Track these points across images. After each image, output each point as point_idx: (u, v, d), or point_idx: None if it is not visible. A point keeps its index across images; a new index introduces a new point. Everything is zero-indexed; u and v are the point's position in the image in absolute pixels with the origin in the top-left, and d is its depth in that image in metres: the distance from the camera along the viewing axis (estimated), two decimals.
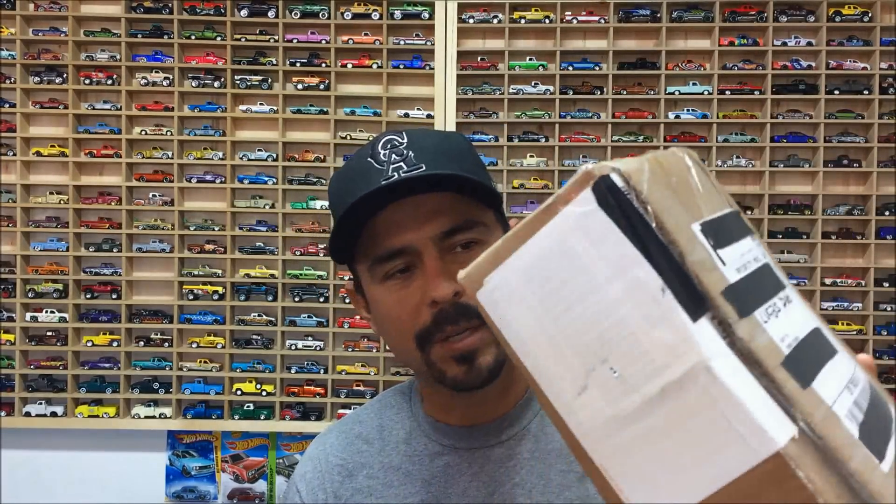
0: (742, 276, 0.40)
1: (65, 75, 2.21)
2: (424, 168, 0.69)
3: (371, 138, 0.77)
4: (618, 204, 0.38)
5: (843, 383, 0.41)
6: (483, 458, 0.76)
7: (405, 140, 0.72)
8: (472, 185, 0.70)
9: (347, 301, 2.20)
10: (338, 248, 0.75)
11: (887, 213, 2.16)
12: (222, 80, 2.23)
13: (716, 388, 0.36)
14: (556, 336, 0.41)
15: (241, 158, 2.23)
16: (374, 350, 2.21)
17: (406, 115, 2.23)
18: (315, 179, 2.23)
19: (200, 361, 2.22)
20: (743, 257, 0.41)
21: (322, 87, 2.23)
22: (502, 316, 0.44)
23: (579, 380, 0.40)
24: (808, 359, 0.39)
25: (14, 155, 2.21)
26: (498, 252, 0.43)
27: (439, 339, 0.70)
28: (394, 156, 0.71)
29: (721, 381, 0.36)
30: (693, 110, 2.22)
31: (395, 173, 0.69)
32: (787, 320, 0.41)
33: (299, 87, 2.23)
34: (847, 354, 0.45)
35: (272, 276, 2.21)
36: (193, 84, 2.24)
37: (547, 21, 2.21)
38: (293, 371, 2.21)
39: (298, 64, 2.24)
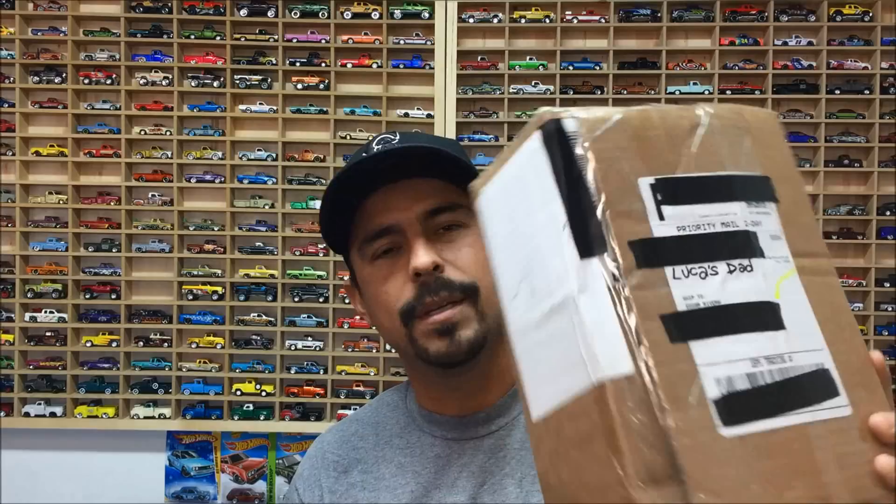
0: (681, 234, 0.42)
1: (64, 75, 2.21)
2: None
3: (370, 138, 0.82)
4: (558, 146, 0.43)
5: (749, 355, 0.41)
6: (473, 448, 0.78)
7: (397, 137, 0.76)
8: (451, 159, 0.73)
9: (347, 301, 2.19)
10: (328, 231, 0.79)
11: (888, 213, 2.16)
12: (222, 79, 2.22)
13: (577, 317, 0.41)
14: (509, 246, 0.48)
15: (241, 158, 2.23)
16: (374, 350, 2.21)
17: (406, 115, 2.23)
18: (315, 179, 2.22)
19: (200, 362, 2.22)
20: (704, 218, 0.43)
21: (322, 86, 2.23)
22: (486, 223, 0.51)
23: (514, 286, 0.47)
24: (706, 322, 0.41)
25: (13, 155, 2.20)
26: (490, 170, 0.50)
27: (421, 314, 0.73)
28: (385, 149, 0.75)
29: (581, 312, 0.41)
30: None
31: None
32: (719, 285, 0.42)
33: (299, 86, 2.23)
34: (807, 335, 0.44)
35: (272, 276, 2.21)
36: (193, 84, 2.24)
37: (547, 21, 2.21)
38: (293, 371, 2.21)
39: (298, 64, 2.23)
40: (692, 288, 0.41)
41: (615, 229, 0.41)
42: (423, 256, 0.71)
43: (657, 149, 0.44)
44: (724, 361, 0.41)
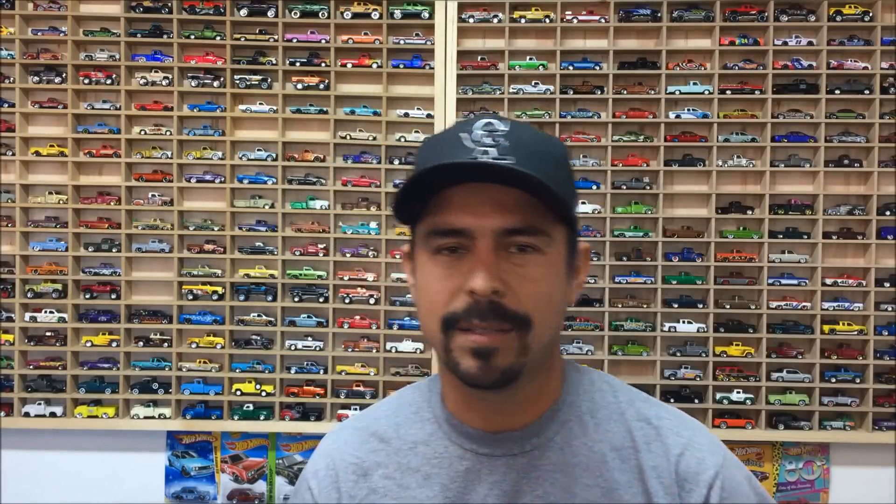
0: None
1: (64, 75, 2.21)
2: (514, 161, 0.67)
3: (460, 121, 0.76)
4: None
5: None
6: (506, 466, 0.75)
7: (506, 128, 0.71)
8: (550, 194, 0.67)
9: (347, 301, 2.19)
10: (403, 205, 0.73)
11: (888, 213, 2.15)
12: (222, 79, 2.22)
13: None
14: None
15: (241, 158, 2.23)
16: (374, 350, 2.21)
17: (406, 115, 2.23)
18: (314, 179, 2.22)
19: (200, 362, 2.22)
20: None
21: (322, 86, 2.23)
22: None
23: None
24: None
25: (13, 155, 2.20)
26: None
27: (462, 328, 0.69)
28: (489, 139, 0.69)
29: None
30: (693, 110, 2.21)
31: (484, 157, 0.68)
32: None
33: (299, 86, 2.23)
34: None
35: (272, 276, 2.21)
36: (193, 84, 2.24)
37: (547, 21, 2.20)
38: (293, 371, 2.21)
39: (298, 63, 2.23)
40: None
41: None
42: (484, 280, 0.67)
43: None
44: None
